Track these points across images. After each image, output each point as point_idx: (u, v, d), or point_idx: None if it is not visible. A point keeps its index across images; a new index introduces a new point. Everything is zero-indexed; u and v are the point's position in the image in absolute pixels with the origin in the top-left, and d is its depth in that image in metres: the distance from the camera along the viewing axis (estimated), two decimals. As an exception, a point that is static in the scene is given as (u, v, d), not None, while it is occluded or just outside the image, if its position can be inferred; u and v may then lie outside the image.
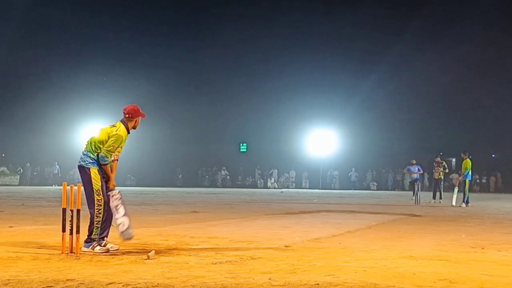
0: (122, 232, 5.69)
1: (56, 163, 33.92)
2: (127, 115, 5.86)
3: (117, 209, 5.70)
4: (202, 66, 39.81)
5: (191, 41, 39.14)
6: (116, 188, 5.82)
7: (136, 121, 5.93)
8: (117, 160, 5.99)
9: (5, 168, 33.66)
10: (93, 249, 5.57)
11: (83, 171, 5.73)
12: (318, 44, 39.96)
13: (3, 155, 35.91)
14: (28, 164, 34.32)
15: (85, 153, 5.79)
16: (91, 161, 5.72)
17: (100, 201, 5.65)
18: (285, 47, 40.51)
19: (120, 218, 5.68)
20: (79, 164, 5.77)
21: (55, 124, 33.93)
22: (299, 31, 40.06)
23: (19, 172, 33.66)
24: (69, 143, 33.78)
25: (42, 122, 34.61)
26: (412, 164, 18.98)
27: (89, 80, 36.34)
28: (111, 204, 5.70)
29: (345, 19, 38.80)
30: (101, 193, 5.67)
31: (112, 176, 5.84)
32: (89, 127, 33.77)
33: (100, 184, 5.69)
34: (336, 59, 38.21)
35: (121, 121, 5.88)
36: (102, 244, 5.61)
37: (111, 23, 38.41)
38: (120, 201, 5.74)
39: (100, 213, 5.64)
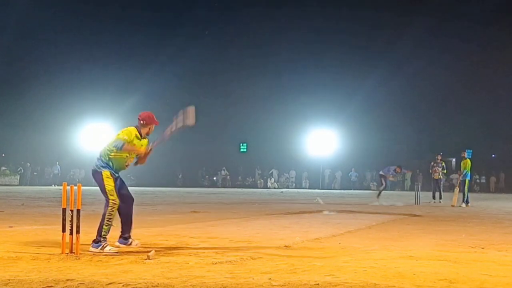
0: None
1: (57, 162, 33.93)
2: (141, 121, 6.00)
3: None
4: (201, 66, 39.83)
5: (191, 41, 39.14)
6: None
7: (149, 128, 6.07)
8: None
9: (5, 168, 33.64)
10: (103, 249, 5.57)
11: (96, 174, 5.87)
12: (318, 44, 40.02)
13: (3, 155, 35.87)
14: (28, 164, 34.30)
15: (98, 157, 5.94)
16: (104, 165, 5.86)
17: (114, 201, 5.75)
18: (285, 47, 40.57)
19: None
20: (92, 169, 5.91)
21: (56, 124, 33.90)
22: (299, 31, 40.11)
23: (19, 172, 33.64)
24: (69, 143, 33.84)
25: (43, 122, 34.60)
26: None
27: (90, 80, 36.34)
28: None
29: (345, 18, 38.85)
30: (114, 193, 5.78)
31: (143, 149, 6.00)
32: (89, 127, 33.91)
33: (112, 185, 5.80)
34: (336, 58, 38.24)
35: (134, 126, 6.01)
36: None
37: (112, 23, 38.46)
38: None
39: (111, 214, 5.73)
